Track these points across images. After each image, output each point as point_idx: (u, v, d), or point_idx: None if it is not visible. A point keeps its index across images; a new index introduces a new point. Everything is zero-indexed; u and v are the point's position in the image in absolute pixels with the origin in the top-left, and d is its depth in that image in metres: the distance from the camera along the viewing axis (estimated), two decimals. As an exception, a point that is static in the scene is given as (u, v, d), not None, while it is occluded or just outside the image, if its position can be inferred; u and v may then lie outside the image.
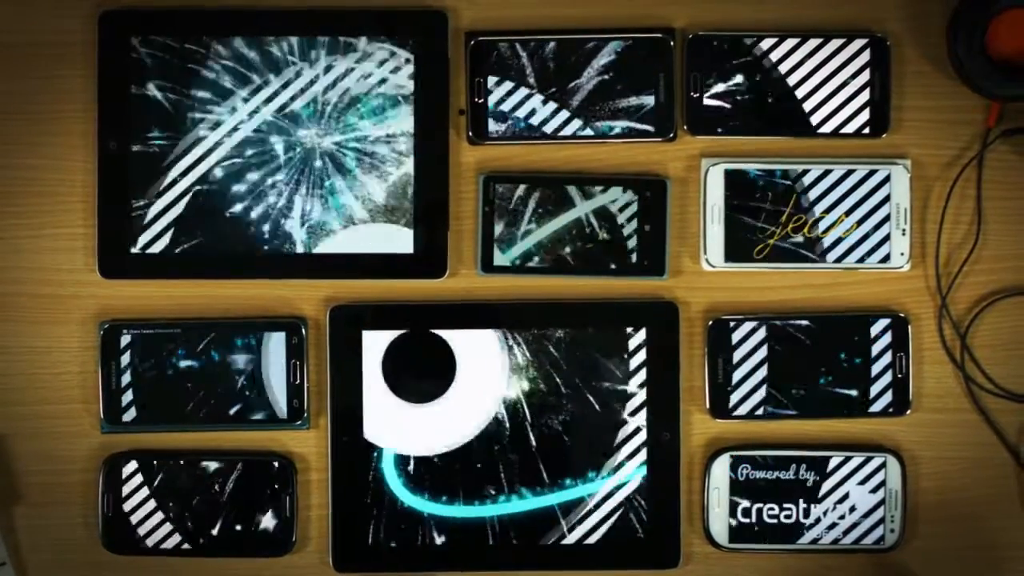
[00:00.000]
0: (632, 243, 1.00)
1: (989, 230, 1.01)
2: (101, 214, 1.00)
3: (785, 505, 1.00)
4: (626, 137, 1.00)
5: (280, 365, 1.00)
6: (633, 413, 1.00)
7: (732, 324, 1.00)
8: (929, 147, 1.01)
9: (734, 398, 1.01)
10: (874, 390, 1.00)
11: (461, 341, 1.00)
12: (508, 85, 1.00)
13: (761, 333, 1.00)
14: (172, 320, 1.00)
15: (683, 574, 1.02)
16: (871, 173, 1.00)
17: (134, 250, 1.00)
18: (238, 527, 1.00)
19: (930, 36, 1.01)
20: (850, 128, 1.00)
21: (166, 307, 1.01)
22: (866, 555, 1.01)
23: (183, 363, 1.00)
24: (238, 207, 1.00)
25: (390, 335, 0.99)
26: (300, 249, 1.00)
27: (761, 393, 1.00)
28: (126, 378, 1.00)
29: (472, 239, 1.01)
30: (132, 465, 1.00)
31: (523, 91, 1.00)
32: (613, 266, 1.00)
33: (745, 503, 1.00)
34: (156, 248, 1.00)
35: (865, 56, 1.00)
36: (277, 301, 1.02)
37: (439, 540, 1.01)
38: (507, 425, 1.01)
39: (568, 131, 1.00)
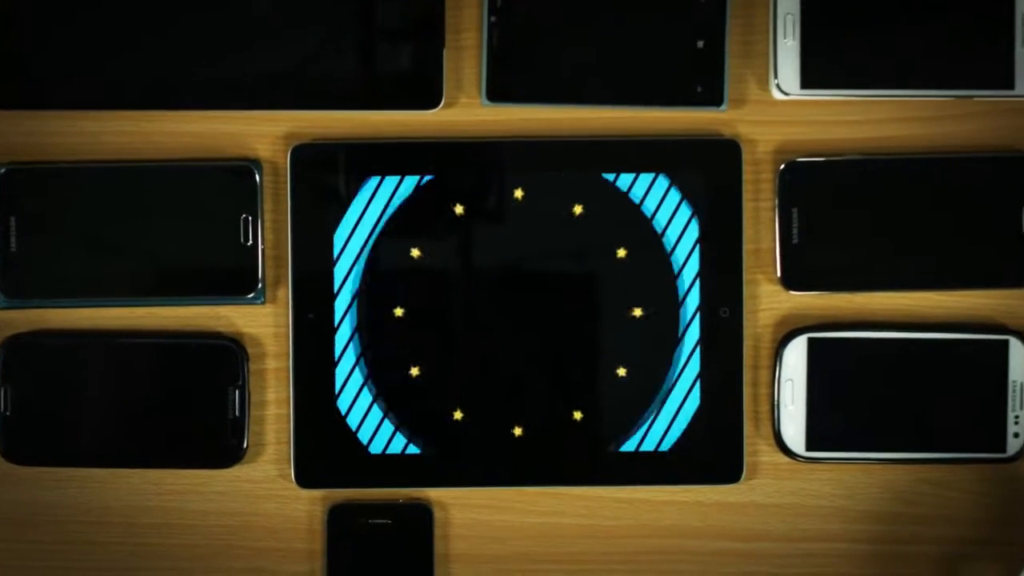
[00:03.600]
0: (681, 64, 0.89)
1: None
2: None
3: (877, 402, 0.89)
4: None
5: (227, 221, 0.89)
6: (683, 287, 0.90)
7: (811, 167, 0.89)
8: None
9: (813, 263, 0.90)
10: (995, 252, 0.89)
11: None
12: None
13: (849, 178, 0.90)
14: (86, 162, 0.90)
15: (747, 489, 0.92)
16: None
17: (30, 73, 0.88)
18: (174, 430, 0.90)
19: None
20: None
21: (78, 145, 0.91)
22: (979, 466, 0.91)
23: (99, 218, 0.89)
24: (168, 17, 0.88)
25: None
26: (252, 71, 0.88)
27: (848, 255, 0.90)
28: (26, 238, 0.89)
29: (475, 59, 0.90)
30: (37, 349, 0.90)
31: None
32: (656, 94, 0.89)
33: (827, 399, 0.89)
34: (60, 70, 0.88)
35: None
36: (223, 138, 0.92)
37: (443, 449, 0.90)
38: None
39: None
